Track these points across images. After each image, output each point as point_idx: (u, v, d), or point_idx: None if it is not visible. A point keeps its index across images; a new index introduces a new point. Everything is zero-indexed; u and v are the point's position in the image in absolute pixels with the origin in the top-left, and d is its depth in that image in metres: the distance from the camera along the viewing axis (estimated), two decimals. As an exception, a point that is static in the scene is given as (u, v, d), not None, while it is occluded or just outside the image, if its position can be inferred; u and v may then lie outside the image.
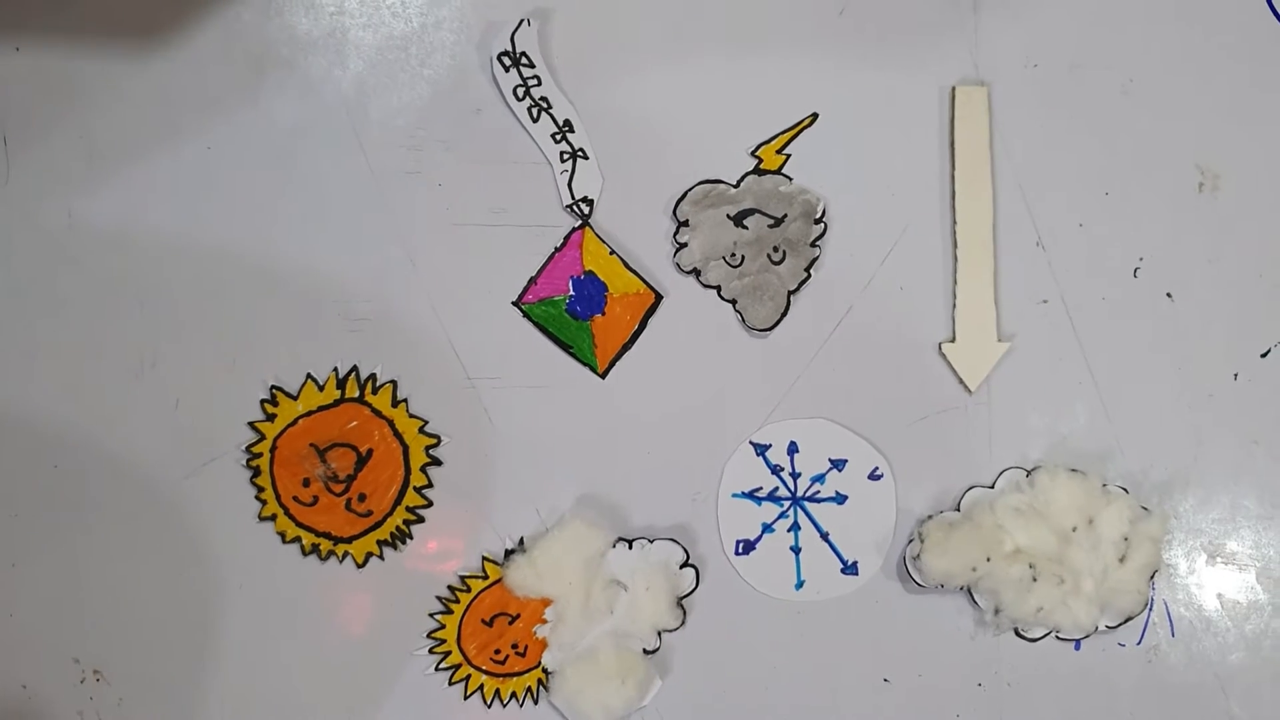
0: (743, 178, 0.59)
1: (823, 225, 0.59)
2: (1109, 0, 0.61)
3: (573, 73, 0.60)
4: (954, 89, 0.60)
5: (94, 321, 0.60)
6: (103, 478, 0.59)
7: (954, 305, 0.60)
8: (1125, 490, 0.60)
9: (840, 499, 0.61)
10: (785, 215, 0.58)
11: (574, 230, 0.60)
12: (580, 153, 0.59)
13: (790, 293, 0.59)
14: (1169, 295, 0.61)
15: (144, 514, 0.60)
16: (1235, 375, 0.60)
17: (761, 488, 0.61)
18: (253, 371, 0.60)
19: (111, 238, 0.59)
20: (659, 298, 0.60)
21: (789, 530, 0.61)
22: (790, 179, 0.59)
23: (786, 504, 0.61)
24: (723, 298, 0.59)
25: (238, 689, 0.60)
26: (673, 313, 0.60)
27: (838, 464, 0.60)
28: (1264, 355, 0.61)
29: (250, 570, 0.60)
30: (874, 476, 0.61)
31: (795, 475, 0.60)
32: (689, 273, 0.59)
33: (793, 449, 0.60)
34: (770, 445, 0.60)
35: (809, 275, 0.59)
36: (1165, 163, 0.61)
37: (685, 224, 0.58)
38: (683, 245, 0.59)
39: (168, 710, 0.60)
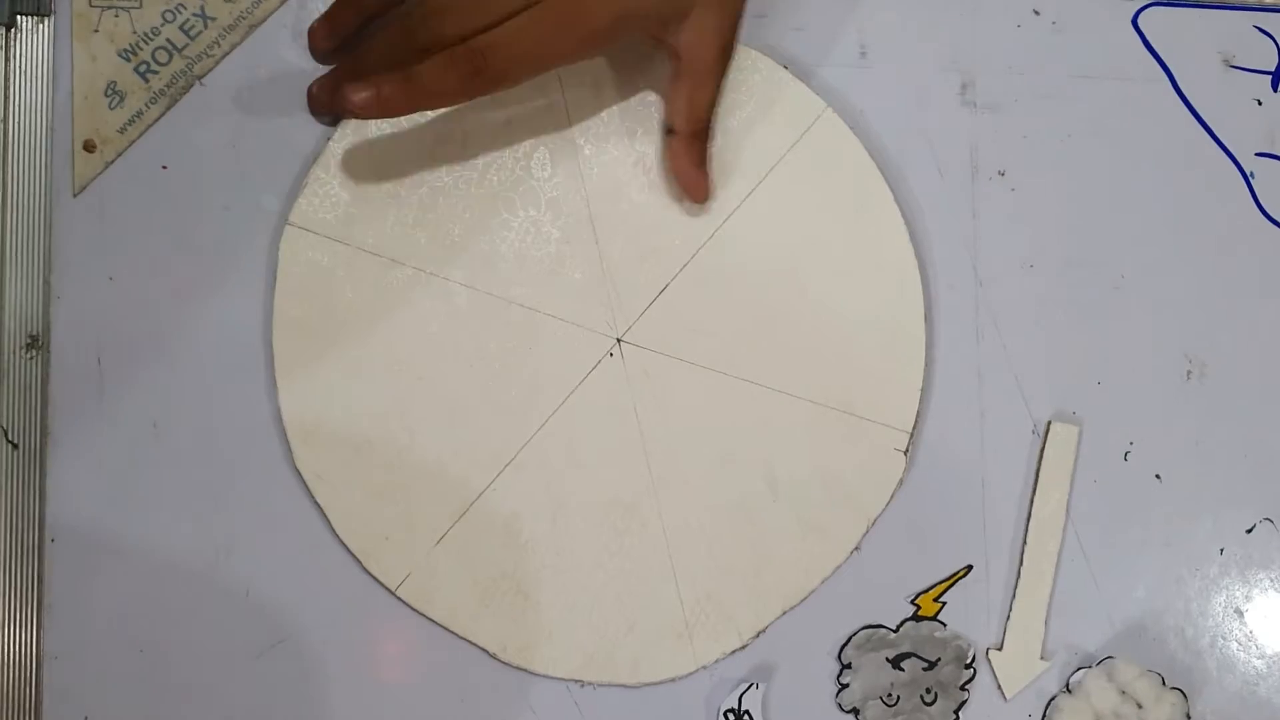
0: (902, 623, 0.61)
1: (972, 670, 0.60)
2: (1099, 205, 0.63)
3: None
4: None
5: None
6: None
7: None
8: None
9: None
10: (939, 659, 0.60)
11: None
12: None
13: None
14: (1158, 477, 0.62)
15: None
16: (1221, 550, 0.63)
17: None
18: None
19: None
20: None
21: None
22: (944, 625, 0.61)
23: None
24: (876, 733, 0.61)
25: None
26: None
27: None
28: (1249, 531, 0.63)
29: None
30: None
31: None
32: (849, 712, 0.60)
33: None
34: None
35: (958, 717, 0.61)
36: (1155, 352, 0.63)
37: (848, 666, 0.60)
38: (845, 686, 0.60)
39: None
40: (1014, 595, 0.61)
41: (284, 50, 0.60)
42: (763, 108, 0.61)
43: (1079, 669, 0.61)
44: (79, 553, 0.59)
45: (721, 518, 0.60)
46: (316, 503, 0.59)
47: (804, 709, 0.60)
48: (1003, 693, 0.61)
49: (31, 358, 0.59)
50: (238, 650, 0.59)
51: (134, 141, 0.60)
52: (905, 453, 0.61)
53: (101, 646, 0.58)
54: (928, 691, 0.60)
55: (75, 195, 0.59)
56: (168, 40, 0.60)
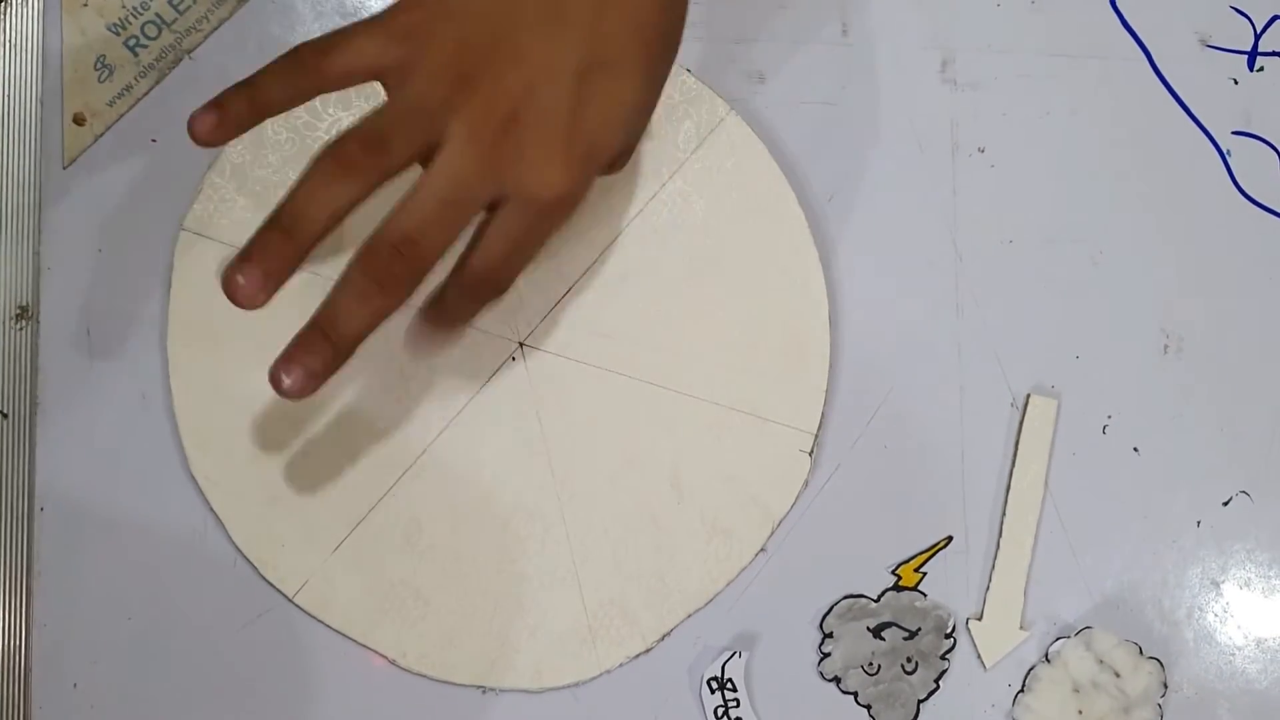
0: (883, 593, 0.61)
1: (952, 640, 0.61)
2: (1077, 182, 0.64)
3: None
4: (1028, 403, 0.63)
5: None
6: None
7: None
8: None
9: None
10: (919, 629, 0.61)
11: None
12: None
13: (920, 701, 0.61)
14: (1135, 449, 0.63)
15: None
16: (1198, 523, 0.63)
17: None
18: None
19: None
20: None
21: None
22: (925, 595, 0.62)
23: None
24: (859, 703, 0.61)
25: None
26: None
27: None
28: (1225, 504, 0.63)
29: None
30: None
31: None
32: (830, 680, 0.61)
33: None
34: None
35: (938, 686, 0.61)
36: (1133, 327, 0.64)
37: (830, 635, 0.61)
38: (826, 655, 0.61)
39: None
40: (993, 566, 0.62)
41: (272, 25, 0.61)
42: (666, 111, 0.61)
43: (1058, 639, 0.62)
44: (68, 522, 0.59)
45: (625, 521, 0.60)
46: (211, 508, 0.59)
47: (786, 677, 0.61)
48: (982, 662, 0.62)
49: (21, 328, 0.60)
50: (224, 619, 0.59)
51: (123, 115, 0.60)
52: (810, 454, 0.61)
53: (90, 615, 0.59)
54: (908, 660, 0.61)
55: (65, 167, 0.60)
56: (156, 15, 0.60)
